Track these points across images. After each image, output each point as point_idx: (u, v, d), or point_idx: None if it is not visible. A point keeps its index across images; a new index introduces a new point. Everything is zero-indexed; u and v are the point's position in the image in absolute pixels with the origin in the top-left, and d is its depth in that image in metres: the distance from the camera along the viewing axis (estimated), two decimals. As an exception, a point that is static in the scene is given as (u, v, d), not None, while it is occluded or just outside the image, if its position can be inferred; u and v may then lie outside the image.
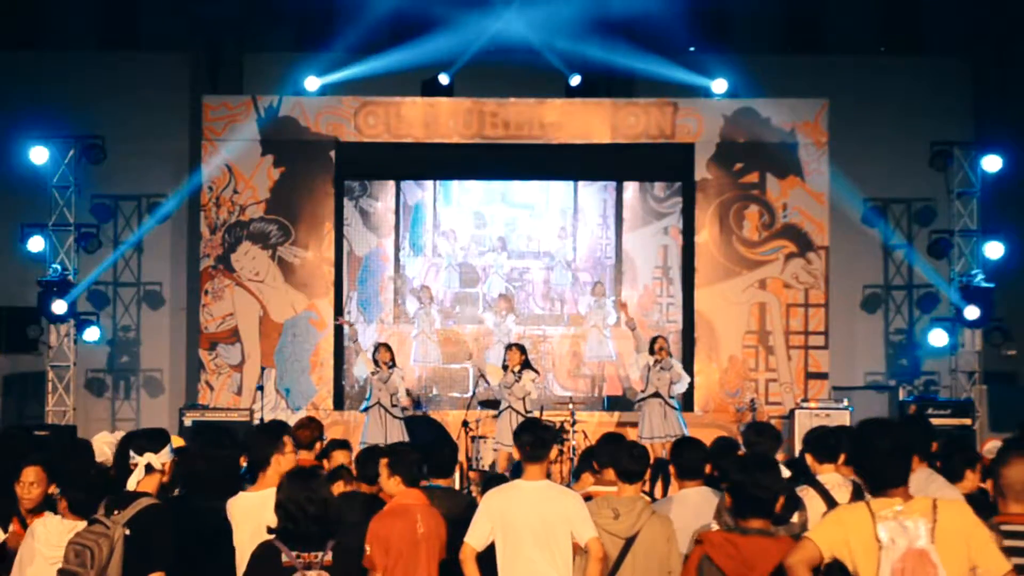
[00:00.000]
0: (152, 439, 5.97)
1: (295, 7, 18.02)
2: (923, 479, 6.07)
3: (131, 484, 5.80)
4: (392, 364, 13.64)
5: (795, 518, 5.90)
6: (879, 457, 4.49)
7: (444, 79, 16.39)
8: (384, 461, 6.43)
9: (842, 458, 6.45)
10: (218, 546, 5.82)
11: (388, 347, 13.94)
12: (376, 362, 13.64)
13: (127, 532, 5.47)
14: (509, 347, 13.86)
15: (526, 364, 13.54)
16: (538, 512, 5.95)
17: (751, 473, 4.92)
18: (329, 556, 5.12)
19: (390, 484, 6.34)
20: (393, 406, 13.55)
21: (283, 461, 6.13)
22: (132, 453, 5.88)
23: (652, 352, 13.84)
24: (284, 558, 5.11)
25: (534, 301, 16.87)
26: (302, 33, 17.75)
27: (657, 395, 13.70)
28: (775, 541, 4.79)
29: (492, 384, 14.81)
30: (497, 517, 6.00)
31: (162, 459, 5.89)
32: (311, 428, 8.66)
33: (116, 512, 5.54)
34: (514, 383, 13.38)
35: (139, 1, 18.02)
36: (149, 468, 5.85)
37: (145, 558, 5.48)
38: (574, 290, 16.84)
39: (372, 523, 6.08)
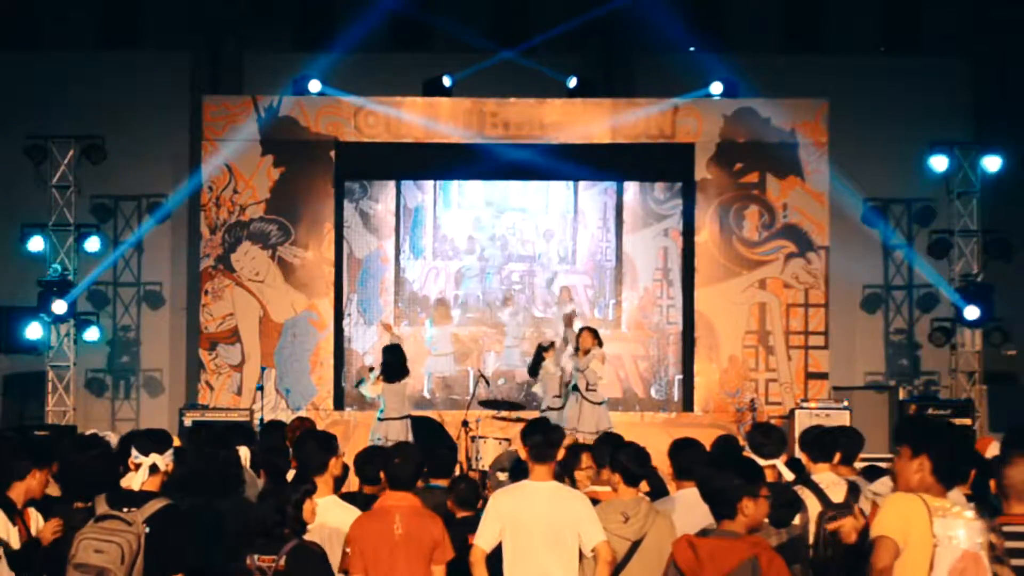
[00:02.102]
0: (157, 440, 5.97)
1: (295, 7, 18.04)
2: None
3: (135, 484, 5.78)
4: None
5: (796, 520, 5.89)
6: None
7: (447, 81, 16.36)
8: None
9: (837, 457, 6.47)
10: (213, 547, 5.80)
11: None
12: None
13: (147, 530, 5.45)
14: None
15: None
16: (547, 513, 5.92)
17: (707, 472, 4.87)
18: (283, 561, 5.12)
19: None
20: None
21: (336, 465, 6.12)
22: (136, 452, 5.87)
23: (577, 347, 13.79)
24: (247, 560, 5.18)
25: (533, 305, 16.85)
26: (302, 33, 17.76)
27: (575, 388, 13.65)
28: (734, 542, 4.69)
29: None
30: (507, 517, 5.96)
31: (166, 460, 5.90)
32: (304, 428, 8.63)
33: (125, 509, 5.50)
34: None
35: (139, 1, 18.02)
36: (154, 468, 5.84)
37: (166, 559, 5.44)
38: (574, 294, 16.81)
39: (351, 526, 5.98)
